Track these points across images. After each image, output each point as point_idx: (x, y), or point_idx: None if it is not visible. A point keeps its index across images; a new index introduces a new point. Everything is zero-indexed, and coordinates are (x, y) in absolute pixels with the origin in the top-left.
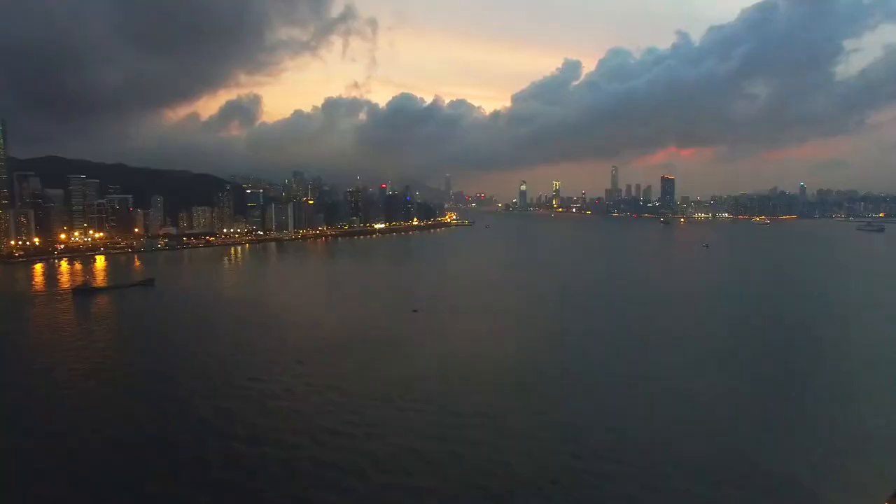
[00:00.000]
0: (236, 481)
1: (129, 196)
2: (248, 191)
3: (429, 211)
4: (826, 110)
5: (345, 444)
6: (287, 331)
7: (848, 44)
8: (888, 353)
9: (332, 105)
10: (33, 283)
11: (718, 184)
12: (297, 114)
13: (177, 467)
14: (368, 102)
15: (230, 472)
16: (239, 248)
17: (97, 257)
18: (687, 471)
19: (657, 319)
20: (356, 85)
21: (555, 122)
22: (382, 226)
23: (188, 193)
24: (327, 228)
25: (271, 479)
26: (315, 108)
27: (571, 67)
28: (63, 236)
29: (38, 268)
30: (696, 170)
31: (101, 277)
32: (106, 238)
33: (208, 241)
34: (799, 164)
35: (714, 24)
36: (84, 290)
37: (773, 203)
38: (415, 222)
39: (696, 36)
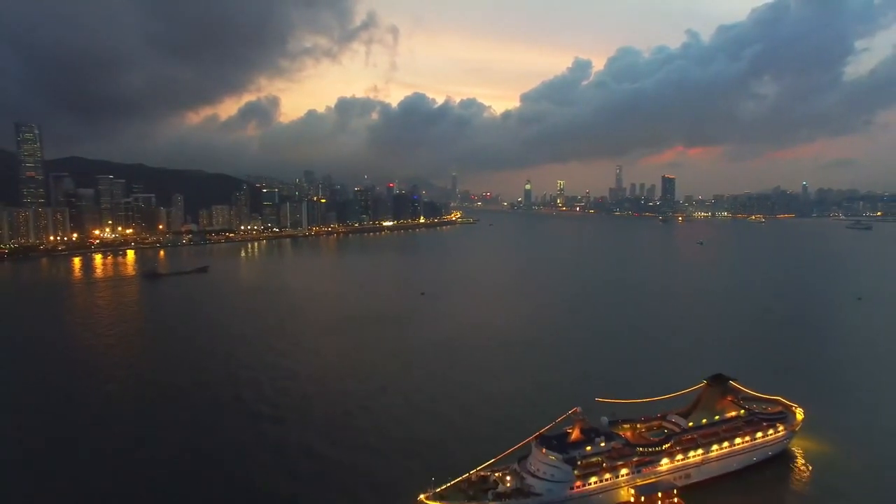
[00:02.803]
0: (267, 413)
1: (153, 195)
2: (264, 190)
3: (435, 209)
4: (835, 110)
5: (357, 396)
6: (314, 309)
7: (859, 44)
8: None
9: (344, 105)
10: (90, 272)
11: (725, 183)
12: (311, 113)
13: (219, 405)
14: (381, 102)
15: (261, 406)
16: (257, 243)
17: (128, 251)
18: (615, 384)
19: (630, 303)
20: (376, 88)
21: (563, 121)
22: (391, 223)
23: (205, 192)
24: (339, 226)
25: (294, 413)
26: (328, 108)
27: (581, 67)
28: (97, 232)
29: (78, 261)
30: (703, 169)
31: (160, 266)
32: (134, 234)
33: (228, 237)
34: (806, 164)
35: (724, 23)
36: (151, 275)
37: (773, 202)
38: (422, 220)
39: (706, 35)
